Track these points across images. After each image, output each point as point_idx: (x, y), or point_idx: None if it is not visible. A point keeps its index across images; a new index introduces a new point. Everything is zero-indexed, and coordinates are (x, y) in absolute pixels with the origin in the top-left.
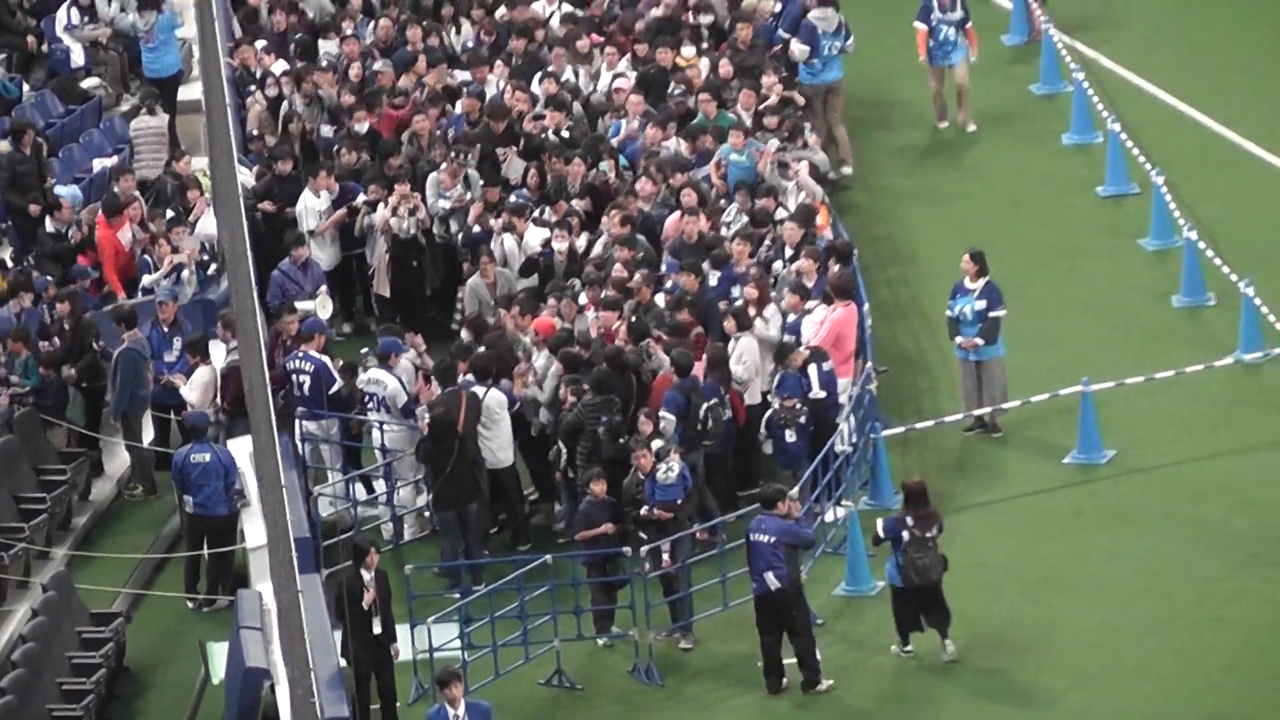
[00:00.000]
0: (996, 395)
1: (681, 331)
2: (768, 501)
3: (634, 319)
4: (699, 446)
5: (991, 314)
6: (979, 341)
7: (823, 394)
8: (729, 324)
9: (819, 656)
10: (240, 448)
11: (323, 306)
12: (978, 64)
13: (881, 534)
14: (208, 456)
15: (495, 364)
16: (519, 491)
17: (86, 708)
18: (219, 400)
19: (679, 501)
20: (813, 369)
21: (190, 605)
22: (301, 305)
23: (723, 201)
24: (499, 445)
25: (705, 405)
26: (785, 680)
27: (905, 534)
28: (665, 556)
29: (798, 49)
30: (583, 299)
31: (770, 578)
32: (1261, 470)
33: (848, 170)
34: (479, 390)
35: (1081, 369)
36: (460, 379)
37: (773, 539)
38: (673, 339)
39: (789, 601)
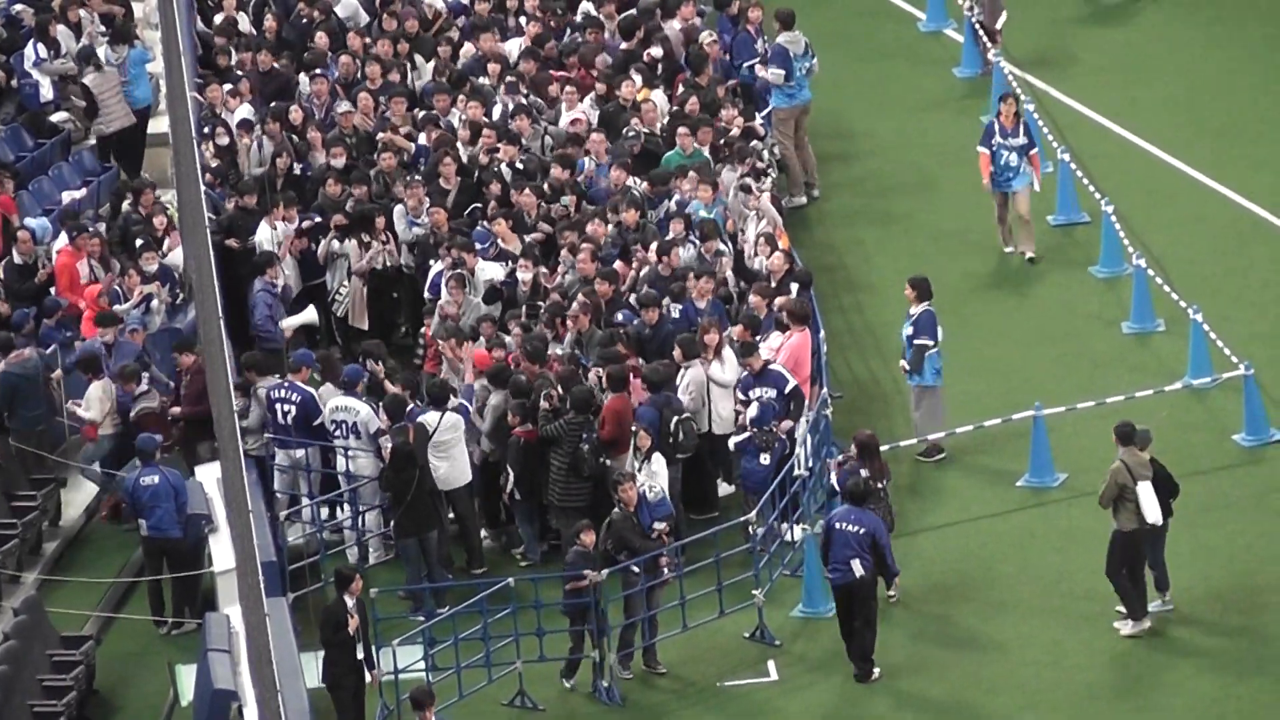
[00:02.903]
0: (921, 423)
1: (617, 360)
2: (857, 497)
3: (531, 347)
4: (674, 460)
5: (916, 342)
6: (905, 367)
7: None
8: (677, 354)
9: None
10: (208, 474)
11: (308, 315)
12: (934, 98)
13: (835, 485)
14: (156, 479)
15: (447, 389)
16: (474, 513)
17: None
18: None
19: (672, 518)
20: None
21: (160, 629)
22: (287, 322)
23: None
24: (455, 466)
25: (676, 419)
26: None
27: (859, 483)
28: (666, 571)
29: (773, 74)
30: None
31: (857, 565)
32: (1209, 494)
33: (816, 194)
34: (432, 417)
35: (1033, 394)
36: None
37: (862, 530)
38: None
39: (868, 592)
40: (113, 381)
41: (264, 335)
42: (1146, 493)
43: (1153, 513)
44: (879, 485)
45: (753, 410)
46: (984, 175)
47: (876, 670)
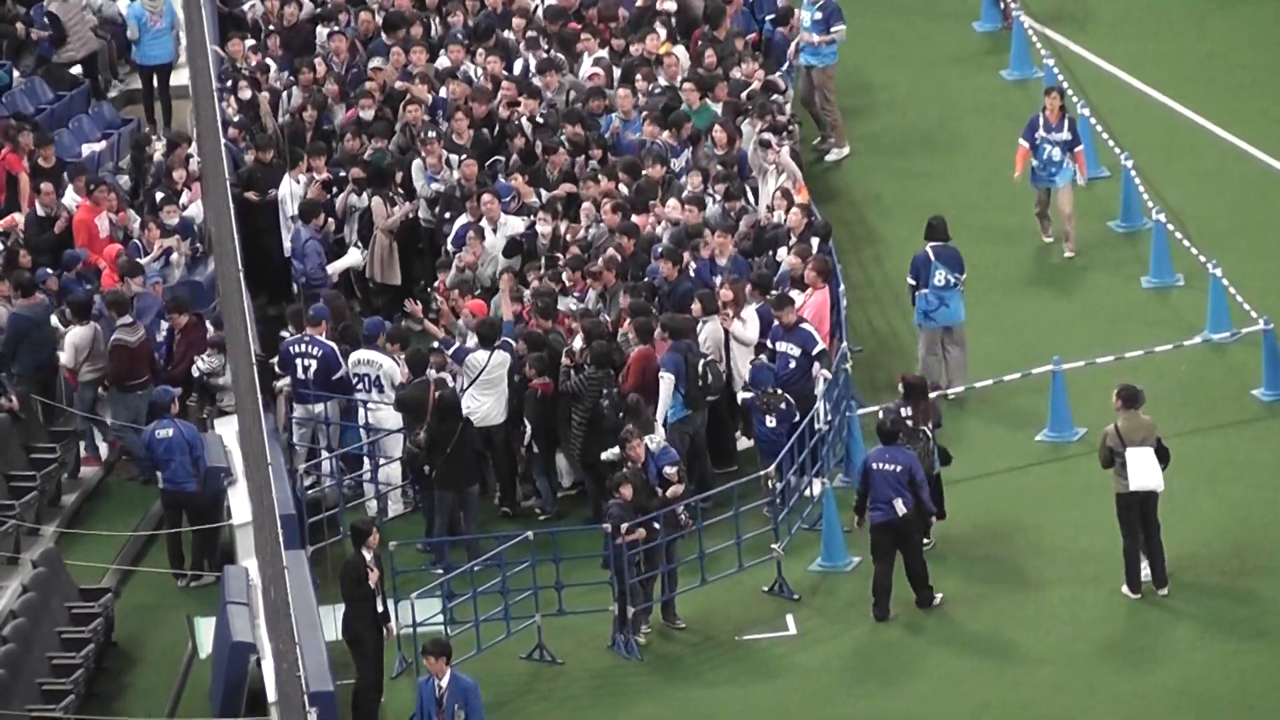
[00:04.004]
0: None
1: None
2: (889, 435)
3: (542, 303)
4: (703, 405)
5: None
6: None
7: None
8: (696, 308)
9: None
10: (227, 427)
11: (352, 258)
12: (953, 53)
13: (886, 424)
14: (171, 432)
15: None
16: (510, 450)
17: (76, 681)
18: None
19: (680, 462)
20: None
21: (178, 581)
22: (335, 266)
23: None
24: (500, 403)
25: (702, 361)
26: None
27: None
28: (683, 516)
29: (837, 32)
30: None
31: (899, 504)
32: (1228, 449)
33: (846, 149)
34: (481, 355)
35: (1052, 348)
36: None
37: (899, 468)
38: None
39: (912, 528)
40: (102, 311)
41: (315, 282)
42: (1135, 458)
43: (1138, 478)
44: (922, 427)
45: (746, 370)
46: (1018, 167)
47: (939, 595)
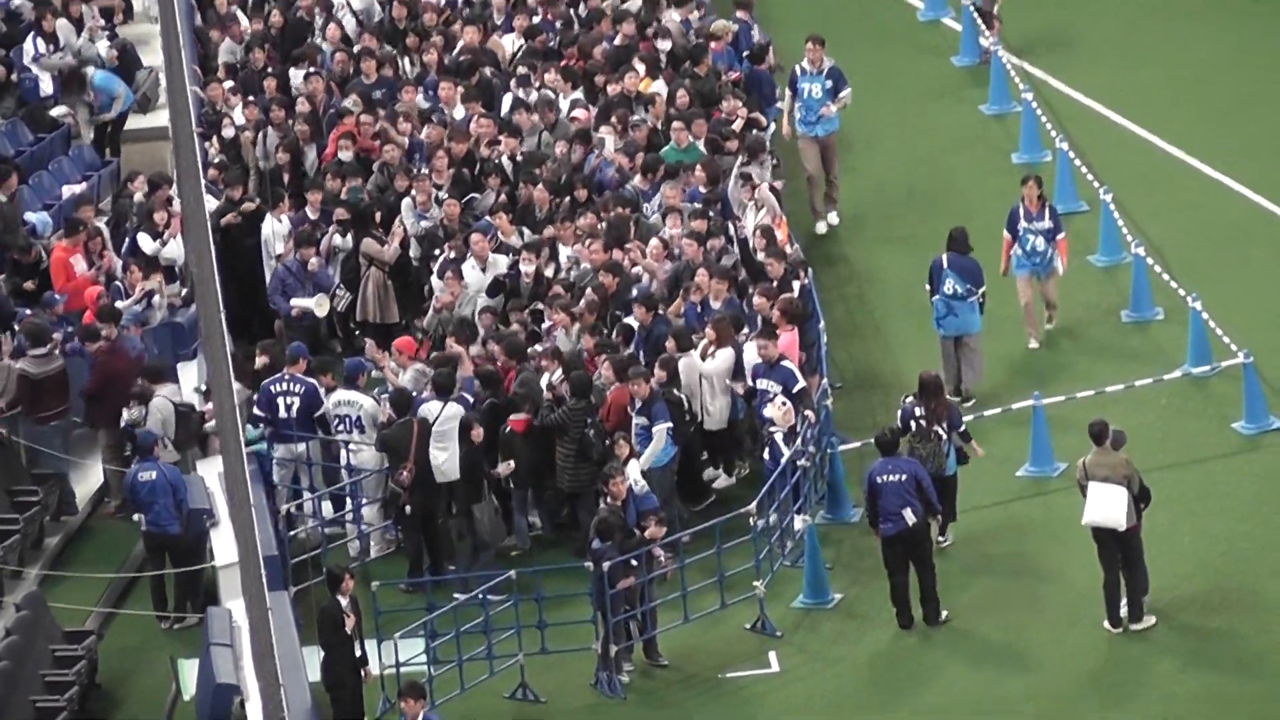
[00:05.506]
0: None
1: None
2: (887, 446)
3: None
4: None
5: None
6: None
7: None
8: (669, 344)
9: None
10: (209, 468)
11: (319, 305)
12: (933, 87)
13: (899, 422)
14: (154, 474)
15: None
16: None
17: None
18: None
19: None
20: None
21: (162, 623)
22: (298, 302)
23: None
24: (450, 458)
25: (682, 397)
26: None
27: (913, 423)
28: (662, 557)
29: (843, 99)
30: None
31: (909, 513)
32: (1209, 482)
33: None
34: (434, 407)
35: (1033, 382)
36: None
37: (904, 477)
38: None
39: (922, 536)
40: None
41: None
42: (1093, 493)
43: (1091, 513)
44: (935, 428)
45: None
46: (1003, 262)
47: (944, 612)
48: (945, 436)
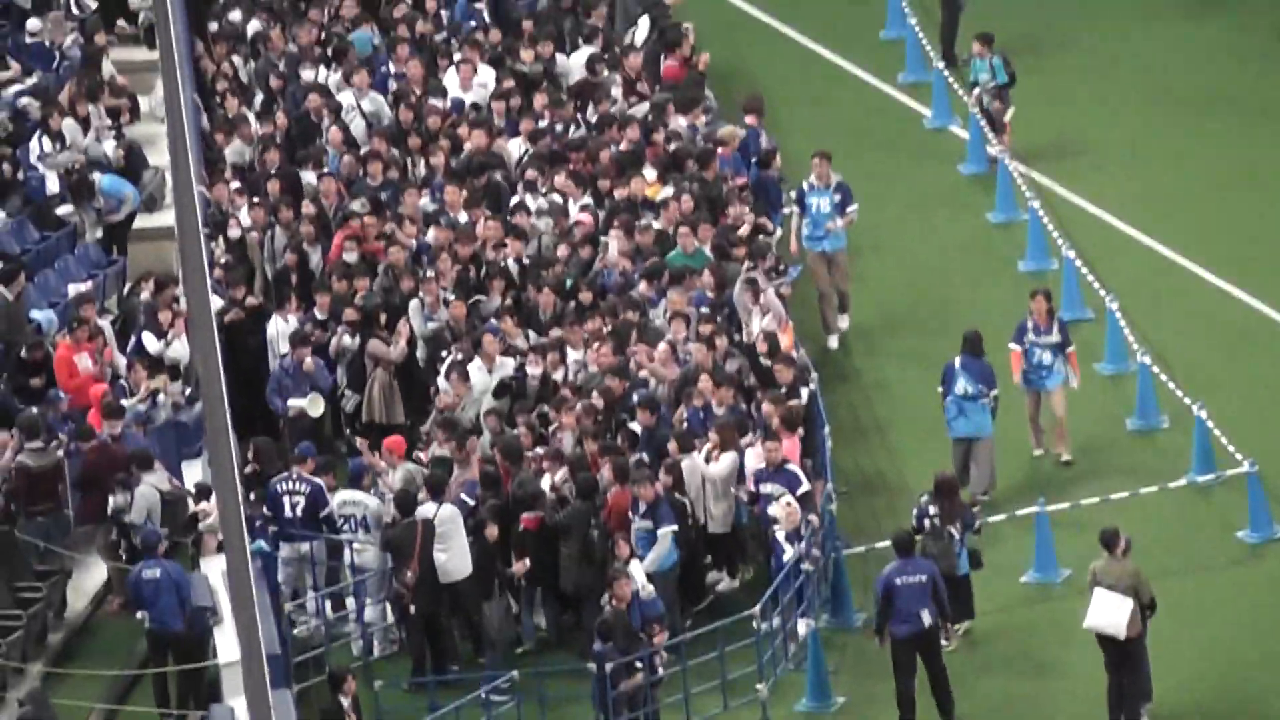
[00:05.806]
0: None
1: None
2: (904, 547)
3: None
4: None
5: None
6: None
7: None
8: (673, 445)
9: None
10: (214, 566)
11: (313, 405)
12: (939, 194)
13: (913, 520)
14: (158, 572)
15: (447, 480)
16: (478, 604)
17: None
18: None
19: (663, 614)
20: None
21: None
22: (294, 402)
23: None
24: (454, 557)
25: (686, 501)
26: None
27: (927, 522)
28: (660, 670)
29: (850, 215)
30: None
31: (925, 615)
32: (1213, 591)
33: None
34: (429, 509)
35: (1037, 489)
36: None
37: (924, 578)
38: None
39: (936, 636)
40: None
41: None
42: (1096, 599)
43: (1089, 618)
44: (948, 528)
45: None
46: (1014, 373)
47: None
48: (958, 536)
